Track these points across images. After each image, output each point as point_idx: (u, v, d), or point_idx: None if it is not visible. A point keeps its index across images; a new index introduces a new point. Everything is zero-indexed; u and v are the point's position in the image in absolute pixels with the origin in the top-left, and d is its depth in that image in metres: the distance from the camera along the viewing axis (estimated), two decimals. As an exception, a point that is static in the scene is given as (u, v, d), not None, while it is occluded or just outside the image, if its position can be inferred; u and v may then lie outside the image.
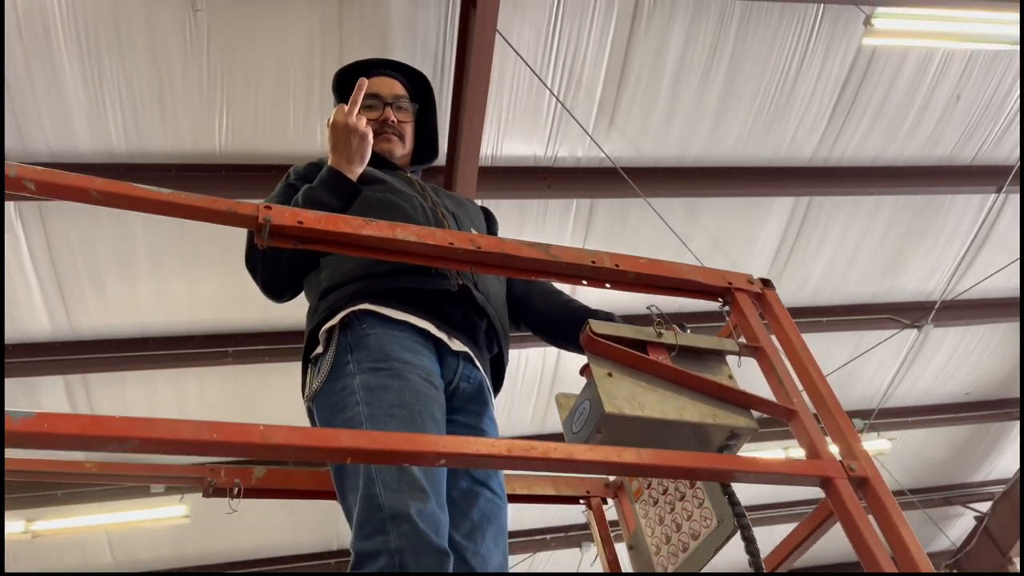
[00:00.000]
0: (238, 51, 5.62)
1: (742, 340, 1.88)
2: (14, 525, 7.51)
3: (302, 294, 2.31)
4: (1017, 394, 9.64)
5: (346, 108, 2.26)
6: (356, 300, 2.01)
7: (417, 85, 2.63)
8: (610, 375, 1.62)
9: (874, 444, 9.58)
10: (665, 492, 2.20)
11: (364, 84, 2.30)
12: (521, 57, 5.89)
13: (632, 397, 1.59)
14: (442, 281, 2.04)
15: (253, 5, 5.46)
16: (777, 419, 1.71)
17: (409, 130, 2.53)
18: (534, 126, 6.54)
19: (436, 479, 1.78)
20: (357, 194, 2.21)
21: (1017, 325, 9.13)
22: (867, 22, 6.21)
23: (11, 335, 6.58)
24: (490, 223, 2.55)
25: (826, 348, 8.58)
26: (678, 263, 1.95)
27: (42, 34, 5.27)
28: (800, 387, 1.75)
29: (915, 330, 8.63)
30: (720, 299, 1.93)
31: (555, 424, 8.23)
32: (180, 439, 1.21)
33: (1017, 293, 8.77)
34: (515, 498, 2.54)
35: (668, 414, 1.59)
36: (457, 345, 2.09)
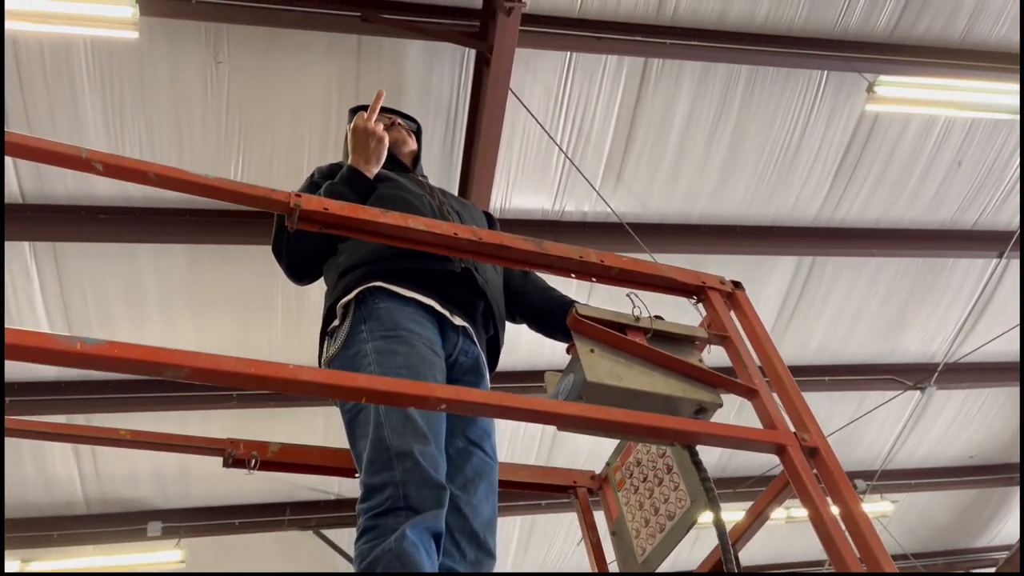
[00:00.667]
0: (257, 103, 5.78)
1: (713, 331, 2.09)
2: (10, 564, 7.44)
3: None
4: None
5: (366, 115, 2.59)
6: (370, 279, 2.28)
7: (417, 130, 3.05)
8: (592, 351, 1.82)
9: (877, 507, 9.50)
10: (645, 480, 2.38)
11: (382, 93, 2.62)
12: (532, 114, 6.04)
13: (611, 370, 1.79)
14: (447, 264, 2.33)
15: (274, 59, 5.63)
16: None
17: (412, 143, 2.92)
18: (543, 181, 6.67)
19: (436, 428, 2.04)
20: (373, 190, 2.50)
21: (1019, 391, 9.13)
22: (870, 89, 6.37)
23: (18, 373, 6.63)
24: (491, 224, 2.84)
25: (828, 407, 8.58)
26: (658, 263, 2.19)
27: (67, 77, 5.43)
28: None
29: (918, 392, 8.63)
30: (694, 297, 2.14)
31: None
32: (223, 370, 1.41)
33: (1018, 358, 8.80)
34: (507, 485, 2.67)
35: (643, 386, 1.78)
36: (458, 320, 2.35)
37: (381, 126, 2.59)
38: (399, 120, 2.93)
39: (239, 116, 5.81)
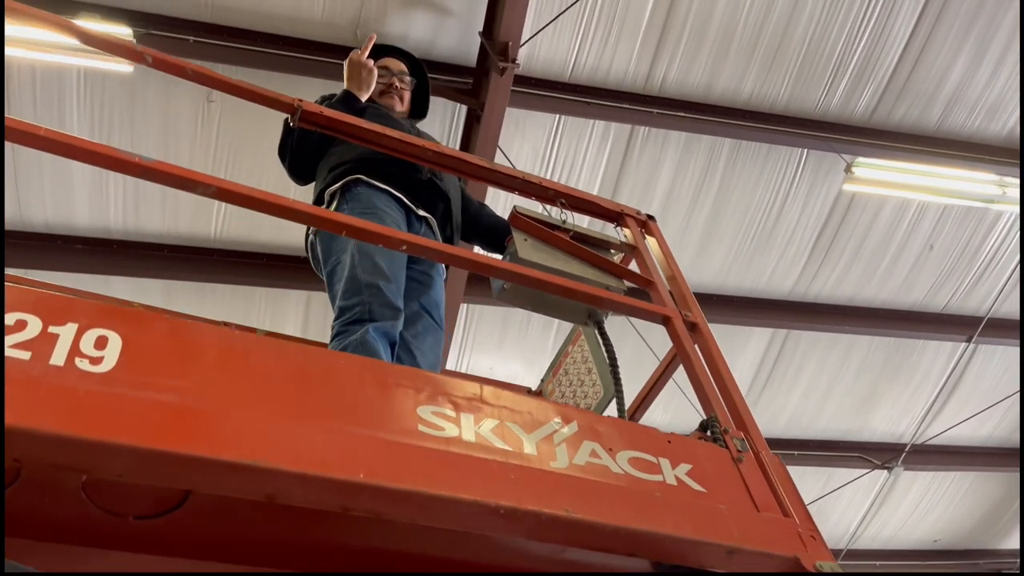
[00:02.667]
0: (246, 142, 5.81)
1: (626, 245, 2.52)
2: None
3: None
4: (985, 547, 9.59)
5: (360, 51, 3.18)
6: (354, 172, 2.87)
7: (416, 66, 3.56)
8: (526, 240, 2.29)
9: (841, 586, 9.40)
10: (571, 385, 2.76)
11: (373, 36, 3.32)
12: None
13: (539, 253, 2.25)
14: (416, 171, 2.89)
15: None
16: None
17: (407, 96, 3.44)
18: (524, 238, 6.71)
19: (397, 275, 2.67)
20: (363, 112, 2.99)
21: (986, 476, 9.19)
22: (848, 169, 6.54)
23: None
24: (464, 191, 3.32)
25: (797, 482, 8.54)
26: (591, 193, 2.66)
27: (56, 102, 5.43)
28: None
29: (885, 471, 8.65)
30: (615, 222, 2.57)
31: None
32: (241, 192, 1.83)
33: (986, 444, 8.89)
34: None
35: (562, 267, 2.23)
36: (422, 212, 2.94)
37: (371, 61, 3.18)
38: (397, 81, 3.37)
39: (227, 154, 5.83)
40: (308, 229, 2.93)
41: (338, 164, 2.91)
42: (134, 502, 1.33)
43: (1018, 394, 7.80)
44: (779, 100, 6.58)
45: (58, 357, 1.21)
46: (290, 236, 6.14)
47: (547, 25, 5.70)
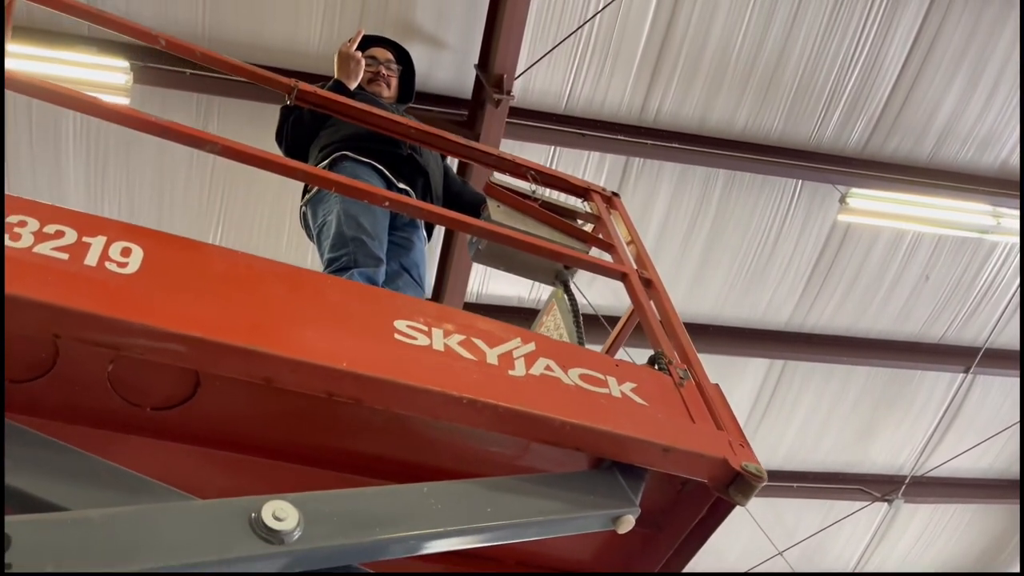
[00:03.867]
0: (242, 173, 5.81)
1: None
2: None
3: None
4: (987, 580, 9.48)
5: (348, 43, 3.52)
6: (340, 150, 3.19)
7: (402, 54, 3.87)
8: (499, 206, 2.50)
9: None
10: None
11: (361, 31, 3.65)
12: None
13: (510, 217, 2.47)
14: (397, 148, 3.19)
15: (262, 132, 5.69)
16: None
17: (394, 82, 3.77)
18: (520, 269, 6.71)
19: (380, 233, 3.04)
20: (352, 98, 3.13)
21: (987, 508, 9.11)
22: (842, 200, 6.57)
23: None
24: (445, 166, 3.65)
25: (796, 515, 8.48)
26: (562, 172, 2.90)
27: (52, 133, 5.45)
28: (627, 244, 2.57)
29: (885, 504, 8.56)
30: (583, 197, 2.77)
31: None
32: (245, 151, 2.07)
33: (986, 475, 8.82)
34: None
35: (532, 229, 2.45)
36: (401, 185, 3.21)
37: (359, 52, 3.51)
38: (384, 69, 3.71)
39: (223, 184, 5.84)
40: (300, 204, 3.33)
41: (326, 144, 3.25)
42: (151, 395, 1.54)
43: (1017, 425, 7.76)
44: (773, 131, 6.62)
45: (91, 259, 1.43)
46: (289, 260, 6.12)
47: (542, 57, 5.74)
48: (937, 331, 7.87)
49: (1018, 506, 8.59)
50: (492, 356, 1.65)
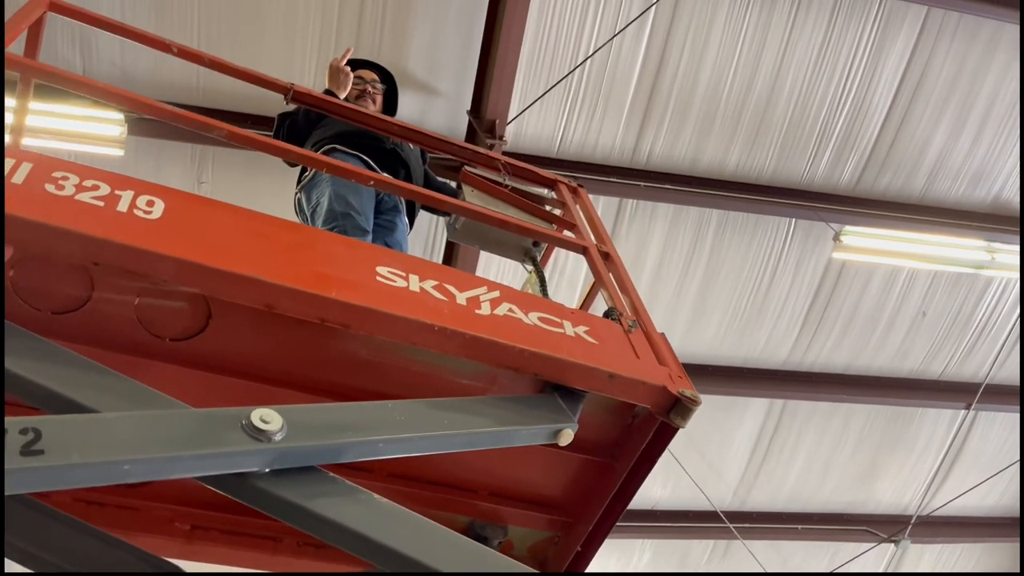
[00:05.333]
0: (234, 190, 5.81)
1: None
2: None
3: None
4: (999, 621, 9.28)
5: (338, 58, 3.86)
6: (331, 143, 3.56)
7: (386, 76, 4.27)
8: (472, 191, 2.75)
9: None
10: None
11: (351, 48, 4.02)
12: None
13: (482, 201, 2.72)
14: (381, 142, 3.60)
15: (256, 182, 5.72)
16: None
17: (379, 99, 4.16)
18: (516, 312, 6.68)
19: (366, 211, 3.46)
20: None
21: (994, 547, 8.96)
22: (836, 238, 6.58)
23: None
24: (424, 159, 4.02)
25: (802, 558, 8.33)
26: (533, 167, 3.14)
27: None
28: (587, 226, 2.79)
29: (892, 545, 8.42)
30: (550, 187, 3.02)
31: None
32: (248, 136, 2.43)
33: (992, 513, 8.69)
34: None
35: (502, 211, 2.67)
36: (384, 174, 3.49)
37: (348, 67, 3.85)
38: (370, 87, 4.10)
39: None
40: (295, 191, 3.68)
41: (318, 140, 3.62)
42: (170, 327, 1.81)
43: (1019, 463, 7.67)
44: (765, 171, 6.66)
45: (122, 207, 1.70)
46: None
47: (534, 103, 5.80)
48: (936, 367, 7.83)
49: (1027, 544, 8.45)
50: (461, 298, 1.90)
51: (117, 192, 1.72)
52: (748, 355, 7.36)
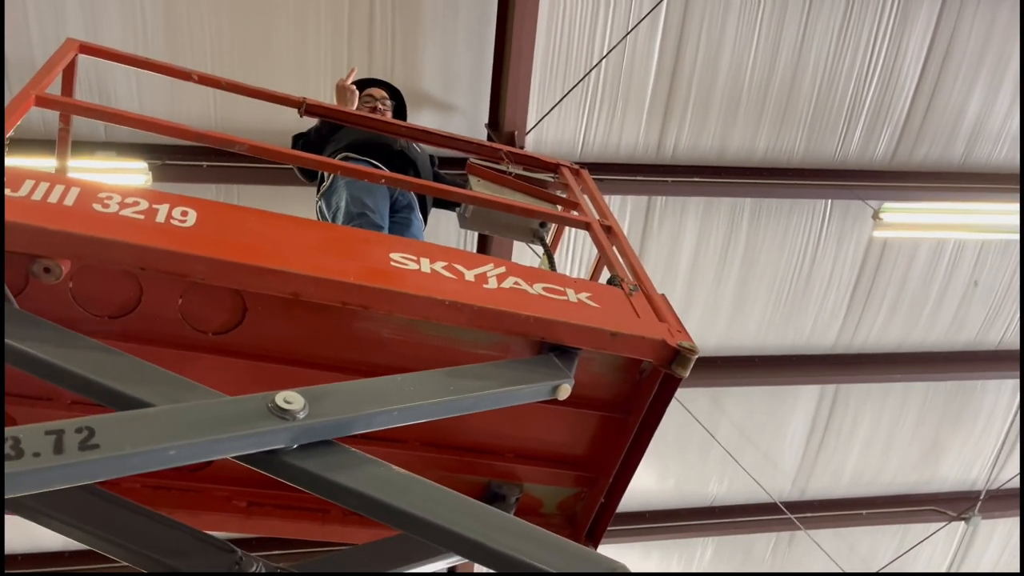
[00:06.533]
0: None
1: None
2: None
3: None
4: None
5: (344, 77, 4.17)
6: (343, 151, 3.85)
7: (394, 92, 4.56)
8: (479, 181, 2.91)
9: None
10: None
11: (355, 69, 4.33)
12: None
13: (489, 189, 2.87)
14: (391, 144, 3.91)
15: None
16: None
17: (388, 115, 4.34)
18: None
19: (380, 209, 3.70)
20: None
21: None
22: (876, 216, 6.37)
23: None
24: (433, 163, 4.28)
25: (870, 544, 8.11)
26: (535, 152, 3.45)
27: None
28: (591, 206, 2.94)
29: (962, 522, 8.16)
30: (553, 171, 3.16)
31: None
32: (268, 148, 2.56)
33: None
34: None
35: (507, 195, 2.83)
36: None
37: (353, 86, 4.13)
38: (380, 104, 4.37)
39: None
40: (316, 199, 3.92)
41: (332, 152, 3.88)
42: (211, 322, 2.03)
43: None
44: (795, 153, 6.49)
45: (160, 218, 1.91)
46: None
47: (551, 110, 5.72)
48: (994, 337, 7.56)
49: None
50: (469, 275, 2.07)
51: (155, 206, 1.93)
52: (795, 342, 7.18)
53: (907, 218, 6.41)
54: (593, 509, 2.42)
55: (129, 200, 1.92)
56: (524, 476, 2.41)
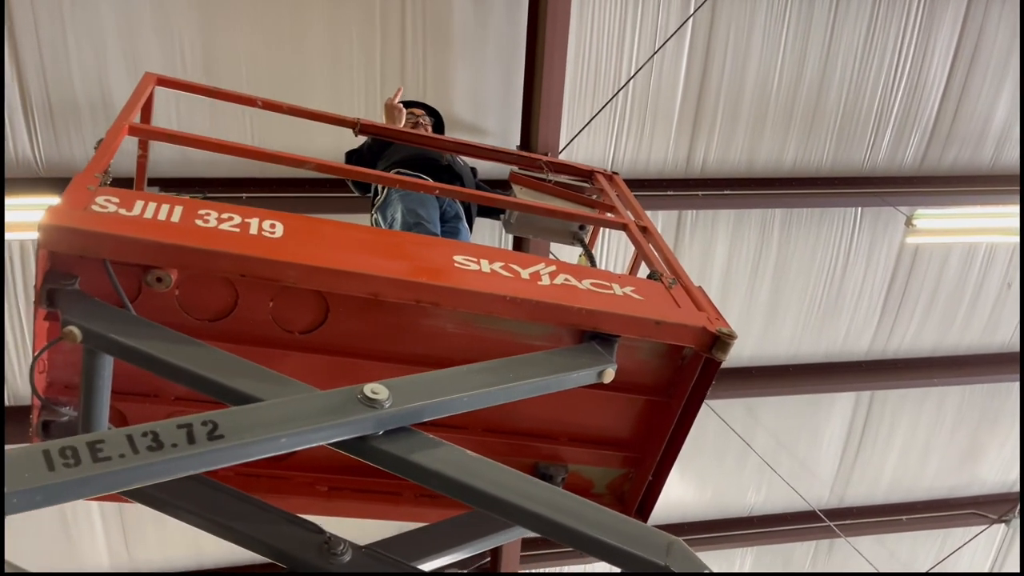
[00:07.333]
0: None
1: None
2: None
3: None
4: None
5: (391, 98, 4.40)
6: (395, 168, 4.01)
7: (432, 111, 4.85)
8: (522, 189, 3.11)
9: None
10: None
11: (401, 88, 4.60)
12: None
13: (532, 196, 3.09)
14: (438, 159, 4.16)
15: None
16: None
17: (429, 131, 4.61)
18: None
19: (433, 218, 3.90)
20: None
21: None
22: (909, 222, 6.37)
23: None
24: (474, 173, 4.50)
25: (910, 549, 8.09)
26: (568, 161, 3.82)
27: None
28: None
29: (1003, 525, 8.10)
30: (588, 179, 3.34)
31: None
32: (331, 165, 2.97)
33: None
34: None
35: (548, 201, 3.03)
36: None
37: (401, 105, 4.38)
38: (421, 119, 4.65)
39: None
40: (371, 213, 4.11)
41: (385, 167, 4.08)
42: (298, 323, 2.22)
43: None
44: (824, 162, 6.51)
45: (252, 230, 2.10)
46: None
47: (581, 130, 5.77)
48: (1030, 338, 7.52)
49: None
50: (525, 274, 2.26)
51: (247, 220, 2.12)
52: (829, 349, 7.18)
53: (939, 223, 6.41)
54: (641, 488, 2.59)
55: (224, 215, 2.11)
56: (574, 458, 2.60)
